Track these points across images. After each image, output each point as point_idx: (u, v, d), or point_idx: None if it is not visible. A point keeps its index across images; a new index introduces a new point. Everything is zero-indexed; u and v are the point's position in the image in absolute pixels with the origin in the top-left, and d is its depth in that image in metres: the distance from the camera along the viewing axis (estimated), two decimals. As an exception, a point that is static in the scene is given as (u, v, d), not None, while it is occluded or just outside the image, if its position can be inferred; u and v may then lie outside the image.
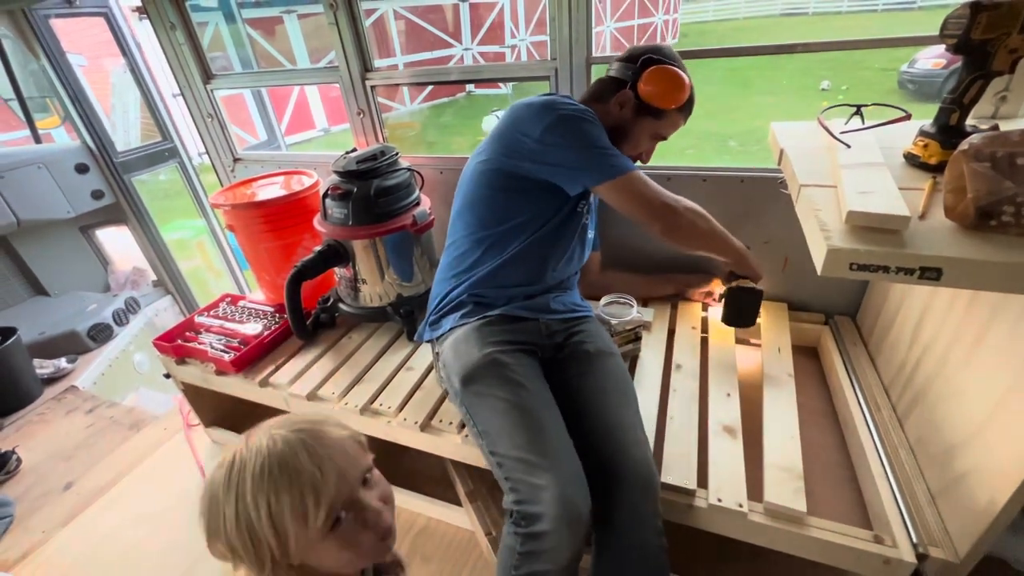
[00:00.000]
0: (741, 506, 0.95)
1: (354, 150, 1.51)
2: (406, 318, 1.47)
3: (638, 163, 1.18)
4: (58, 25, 2.32)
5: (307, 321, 1.52)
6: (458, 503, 1.35)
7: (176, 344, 1.56)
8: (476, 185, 1.13)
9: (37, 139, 2.56)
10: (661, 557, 0.88)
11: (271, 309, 1.71)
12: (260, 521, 0.52)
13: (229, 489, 0.53)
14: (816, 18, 16.71)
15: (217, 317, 1.71)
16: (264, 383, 1.42)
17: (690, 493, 0.99)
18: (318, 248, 1.42)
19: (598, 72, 1.37)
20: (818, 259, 0.68)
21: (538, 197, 1.09)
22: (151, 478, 1.68)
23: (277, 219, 1.57)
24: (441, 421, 1.22)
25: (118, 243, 2.86)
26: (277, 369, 1.46)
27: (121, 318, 2.59)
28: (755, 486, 0.98)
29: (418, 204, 1.48)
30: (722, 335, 1.39)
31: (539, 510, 0.83)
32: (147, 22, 1.84)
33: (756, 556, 1.05)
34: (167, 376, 1.65)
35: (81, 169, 2.49)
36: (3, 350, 2.00)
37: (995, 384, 0.81)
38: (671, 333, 1.43)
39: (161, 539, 1.45)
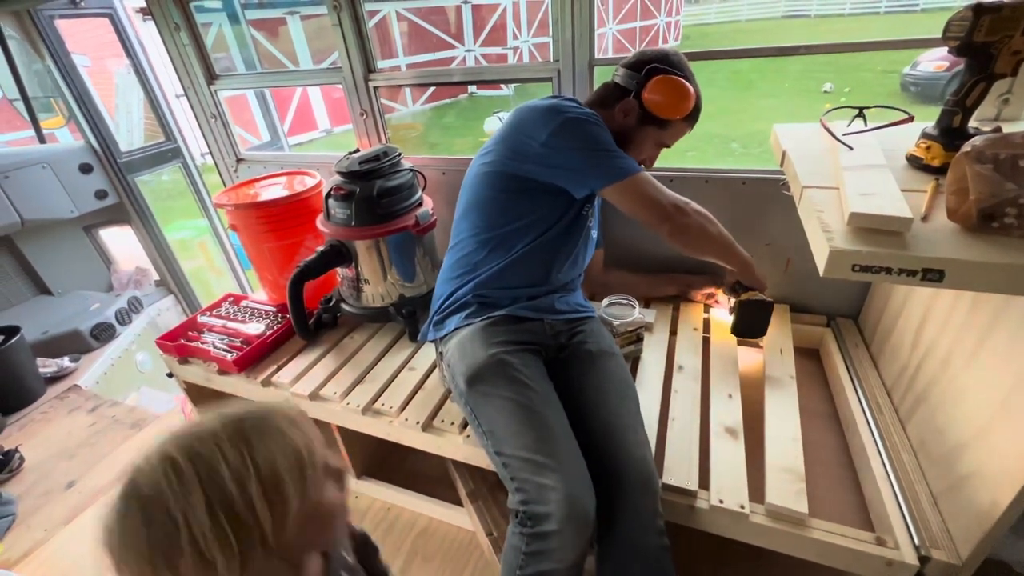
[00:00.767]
0: (743, 507, 0.95)
1: (357, 151, 1.52)
2: (408, 318, 1.47)
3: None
4: (63, 26, 2.33)
5: (309, 321, 1.52)
6: (459, 503, 1.35)
7: (179, 344, 1.57)
8: (481, 187, 1.13)
9: (41, 139, 2.57)
10: (664, 557, 0.88)
11: (273, 309, 1.71)
12: (251, 485, 0.43)
13: (184, 480, 0.42)
14: (818, 20, 16.73)
15: (220, 317, 1.72)
16: (266, 383, 1.42)
17: (691, 494, 0.99)
18: (321, 248, 1.42)
19: (601, 74, 1.38)
20: (820, 260, 0.68)
21: (543, 200, 1.09)
22: (153, 477, 1.68)
23: (280, 219, 1.57)
24: (443, 421, 1.22)
25: (121, 243, 2.87)
26: (279, 369, 1.46)
27: (124, 317, 2.60)
28: (757, 487, 0.98)
29: (420, 205, 1.49)
30: (724, 336, 1.39)
31: (546, 510, 0.83)
32: (151, 23, 1.85)
33: (757, 558, 1.05)
34: (170, 375, 1.65)
35: (85, 169, 2.50)
36: (6, 349, 2.01)
37: (997, 386, 0.81)
38: (673, 334, 1.43)
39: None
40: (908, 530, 0.89)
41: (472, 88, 11.07)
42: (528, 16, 11.31)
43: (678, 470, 1.02)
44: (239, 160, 2.07)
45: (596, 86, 1.33)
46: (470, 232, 1.15)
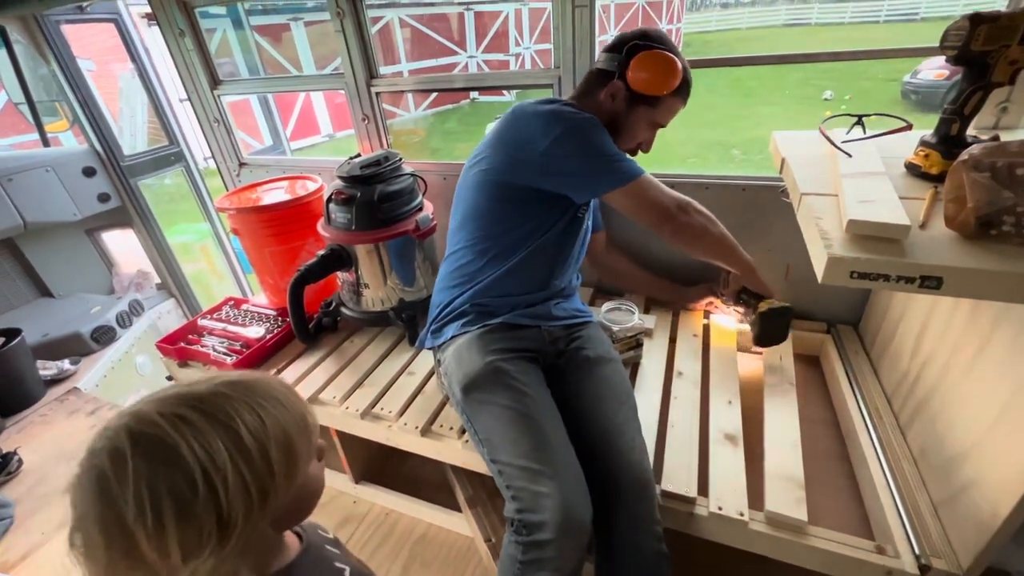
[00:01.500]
0: (742, 515, 0.94)
1: (358, 155, 1.53)
2: (408, 323, 1.47)
3: (640, 154, 1.15)
4: (69, 31, 2.34)
5: (309, 325, 1.53)
6: (458, 509, 1.34)
7: (179, 347, 1.57)
8: (478, 196, 1.11)
9: (45, 142, 2.58)
10: (662, 564, 0.88)
11: (274, 312, 1.71)
12: (269, 444, 0.42)
13: (179, 436, 0.40)
14: (819, 28, 16.81)
15: (220, 320, 1.72)
16: (266, 386, 1.42)
17: (691, 501, 0.98)
18: (321, 252, 1.43)
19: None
20: (819, 267, 0.69)
21: (541, 206, 1.08)
22: (151, 481, 1.68)
23: (281, 223, 1.58)
24: (442, 426, 1.21)
25: (123, 246, 2.87)
26: (279, 372, 1.46)
27: (124, 320, 2.60)
28: (756, 495, 0.98)
29: (421, 209, 1.49)
30: (724, 342, 1.39)
31: (541, 518, 0.83)
32: (156, 28, 1.87)
33: (757, 565, 1.05)
34: (170, 379, 1.65)
35: (88, 172, 2.51)
36: (7, 351, 2.01)
37: (997, 394, 0.80)
38: (672, 340, 1.43)
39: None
40: (908, 539, 0.88)
41: (474, 94, 11.12)
42: (530, 23, 11.38)
43: (677, 477, 1.02)
44: (241, 164, 2.08)
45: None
46: (467, 242, 1.14)
